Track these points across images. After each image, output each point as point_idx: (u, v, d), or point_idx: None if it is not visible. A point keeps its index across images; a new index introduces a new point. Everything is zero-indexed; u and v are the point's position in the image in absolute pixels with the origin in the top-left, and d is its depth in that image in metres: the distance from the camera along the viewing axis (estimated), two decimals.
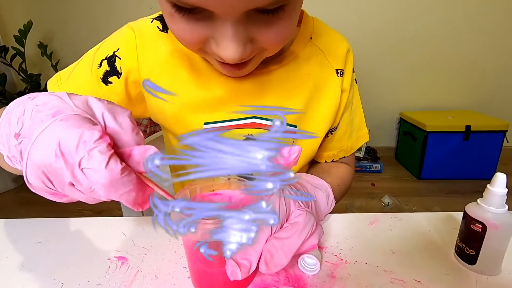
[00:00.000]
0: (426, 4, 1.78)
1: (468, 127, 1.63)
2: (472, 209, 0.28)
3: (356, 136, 0.50)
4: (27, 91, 1.65)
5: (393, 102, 2.01)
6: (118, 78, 0.39)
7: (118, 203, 0.58)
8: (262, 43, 0.30)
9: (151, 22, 0.40)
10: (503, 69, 1.89)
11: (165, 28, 0.40)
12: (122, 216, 0.56)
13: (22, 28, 1.59)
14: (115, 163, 0.19)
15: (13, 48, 1.62)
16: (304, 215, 0.30)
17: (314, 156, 0.48)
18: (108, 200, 0.21)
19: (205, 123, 0.40)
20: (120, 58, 0.39)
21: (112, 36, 0.41)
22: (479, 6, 1.77)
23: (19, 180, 1.72)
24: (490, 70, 1.90)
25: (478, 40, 1.84)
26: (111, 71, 0.39)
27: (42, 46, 1.73)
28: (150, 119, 1.76)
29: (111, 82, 0.39)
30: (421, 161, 1.73)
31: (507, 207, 0.27)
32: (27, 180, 0.20)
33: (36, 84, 1.65)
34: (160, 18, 0.40)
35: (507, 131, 1.63)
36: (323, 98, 0.43)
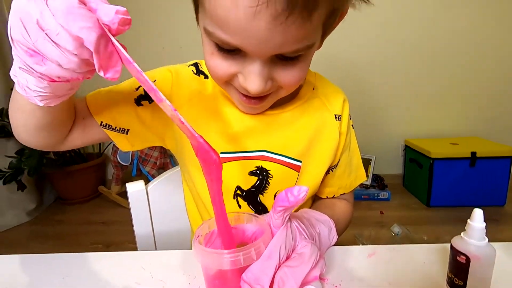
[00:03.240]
0: (431, 31, 1.86)
1: (473, 153, 1.64)
2: (457, 242, 0.31)
3: (354, 175, 0.55)
4: None
5: (398, 129, 2.05)
6: (149, 103, 0.45)
7: (129, 235, 0.62)
8: (279, 82, 0.37)
9: (188, 66, 0.48)
10: (507, 95, 1.93)
11: (198, 73, 0.48)
12: (135, 250, 0.59)
13: None
14: None
15: None
16: (309, 246, 0.33)
17: (316, 191, 0.53)
18: (76, 48, 0.22)
19: (221, 152, 0.46)
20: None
21: (150, 71, 0.48)
22: (483, 33, 1.84)
23: (32, 213, 1.77)
24: (494, 96, 1.93)
25: (481, 67, 1.90)
26: (145, 96, 0.45)
27: None
28: (160, 152, 1.83)
29: (142, 105, 0.45)
30: (429, 188, 1.72)
31: (487, 239, 0.30)
32: (11, 36, 0.24)
33: None
34: (195, 65, 0.49)
35: None
36: (323, 138, 0.49)
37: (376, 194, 1.84)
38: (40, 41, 0.23)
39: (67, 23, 0.22)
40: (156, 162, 1.76)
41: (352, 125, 0.54)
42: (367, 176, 1.94)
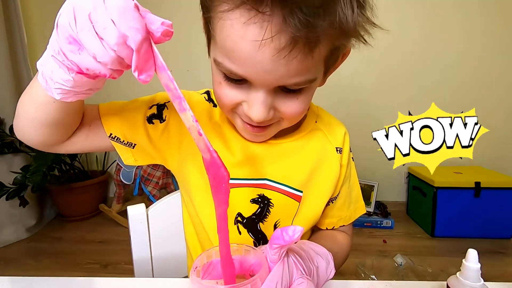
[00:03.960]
0: (434, 60, 1.90)
1: (477, 183, 1.62)
2: (453, 282, 0.31)
3: (354, 207, 0.56)
4: None
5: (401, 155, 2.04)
6: (160, 122, 0.47)
7: (126, 256, 0.61)
8: (282, 113, 0.39)
9: (200, 94, 0.51)
10: (509, 126, 1.93)
11: (209, 100, 0.50)
12: (131, 271, 0.59)
13: None
14: None
15: None
16: (306, 283, 0.33)
17: (316, 222, 0.53)
18: (119, 44, 0.24)
19: None
20: (167, 109, 0.47)
21: (165, 92, 0.50)
22: (486, 62, 1.87)
23: (32, 229, 1.76)
24: (496, 127, 1.94)
25: (487, 95, 1.91)
26: (157, 115, 0.47)
27: None
28: (163, 172, 1.85)
29: (153, 123, 0.46)
30: (433, 217, 1.69)
31: (482, 280, 0.30)
32: (57, 23, 0.25)
33: None
34: (207, 92, 0.51)
35: None
36: (324, 170, 0.50)
37: (379, 222, 1.81)
38: (85, 32, 0.24)
39: (119, 20, 0.24)
40: (158, 182, 1.77)
41: (352, 158, 0.55)
42: (370, 203, 1.92)
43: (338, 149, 0.52)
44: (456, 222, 1.67)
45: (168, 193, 2.16)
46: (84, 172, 1.99)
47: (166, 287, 0.41)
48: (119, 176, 1.85)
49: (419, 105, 1.96)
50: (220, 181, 0.30)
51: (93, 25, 0.24)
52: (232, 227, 0.48)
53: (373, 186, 1.98)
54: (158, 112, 0.47)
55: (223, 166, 0.29)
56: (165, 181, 1.81)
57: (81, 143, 0.43)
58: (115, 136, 0.44)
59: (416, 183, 1.88)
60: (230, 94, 0.38)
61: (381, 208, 1.90)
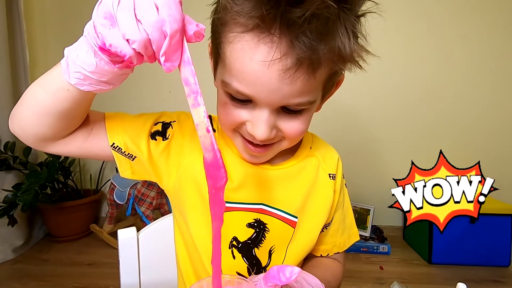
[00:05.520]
0: (432, 84, 1.94)
1: None
2: None
3: (348, 234, 0.56)
4: (47, 161, 1.77)
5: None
6: (163, 140, 0.47)
7: (115, 280, 0.60)
8: (283, 132, 0.41)
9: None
10: (504, 155, 1.95)
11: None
12: None
13: None
14: None
15: None
16: None
17: (311, 249, 0.53)
18: (155, 27, 0.26)
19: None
20: (172, 128, 0.48)
21: (173, 112, 0.51)
22: (482, 86, 1.92)
23: (18, 250, 1.71)
24: (495, 155, 1.96)
25: (480, 124, 1.95)
26: (161, 133, 0.47)
27: None
28: (157, 192, 1.82)
29: (155, 139, 0.47)
30: (430, 243, 1.67)
31: None
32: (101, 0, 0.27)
33: (56, 156, 1.77)
34: (209, 117, 0.52)
35: None
36: (318, 196, 0.51)
37: (375, 247, 1.78)
38: (124, 11, 0.26)
39: (162, 7, 0.26)
40: (152, 202, 1.74)
41: (345, 184, 0.56)
42: (366, 227, 1.90)
43: (331, 175, 0.53)
44: (453, 248, 1.65)
45: (162, 214, 2.13)
46: (77, 191, 1.96)
47: None
48: (113, 195, 1.82)
49: (418, 129, 1.99)
50: (217, 181, 0.30)
51: (134, 7, 0.26)
52: (226, 251, 0.47)
53: (369, 210, 1.96)
54: (163, 130, 0.48)
55: (223, 167, 0.30)
56: (159, 201, 1.78)
57: (77, 145, 0.42)
58: (117, 146, 0.44)
59: None
60: (235, 113, 0.40)
61: (378, 233, 1.88)
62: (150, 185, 1.73)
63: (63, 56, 0.32)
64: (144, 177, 0.49)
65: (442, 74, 1.94)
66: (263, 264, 0.49)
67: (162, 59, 0.27)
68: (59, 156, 1.80)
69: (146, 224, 0.61)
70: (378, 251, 1.78)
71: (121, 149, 0.45)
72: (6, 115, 1.64)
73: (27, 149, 1.73)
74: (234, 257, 0.48)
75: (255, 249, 0.48)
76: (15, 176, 1.71)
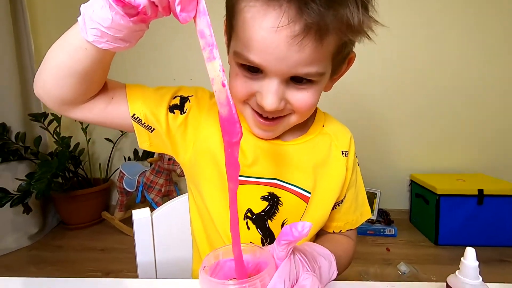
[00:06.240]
0: (437, 68, 1.92)
1: (480, 191, 1.62)
2: (452, 280, 0.32)
3: (360, 211, 0.57)
4: (57, 151, 1.81)
5: (403, 163, 2.04)
6: (181, 114, 0.48)
7: (128, 264, 0.61)
8: (292, 105, 0.41)
9: None
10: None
11: None
12: (135, 278, 0.59)
13: None
14: None
15: (52, 114, 1.83)
16: (311, 279, 0.34)
17: (323, 225, 0.54)
18: None
19: None
20: (190, 102, 0.49)
21: (191, 87, 0.51)
22: (488, 69, 1.89)
23: (34, 237, 1.76)
24: (499, 134, 1.94)
25: (488, 103, 1.92)
26: (179, 106, 0.48)
27: None
28: (165, 179, 1.84)
29: (174, 113, 0.48)
30: (437, 225, 1.68)
31: (480, 278, 0.30)
32: None
33: (66, 146, 1.80)
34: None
35: None
36: (331, 172, 0.52)
37: (382, 230, 1.80)
38: None
39: None
40: (161, 189, 1.78)
41: (358, 163, 0.56)
42: (372, 211, 1.91)
43: (344, 152, 0.53)
44: (460, 230, 1.66)
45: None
46: (87, 179, 2.00)
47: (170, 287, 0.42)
48: (122, 183, 1.86)
49: (424, 112, 1.97)
50: (233, 137, 0.30)
51: None
52: (241, 222, 0.49)
53: (376, 193, 1.97)
54: (181, 104, 0.48)
55: (238, 122, 0.30)
56: (168, 188, 1.81)
57: (98, 112, 0.43)
58: (137, 117, 0.45)
59: (419, 191, 1.88)
60: (245, 85, 0.41)
61: (384, 216, 1.89)
62: (158, 172, 1.76)
63: (80, 13, 0.32)
64: (161, 150, 0.50)
65: (445, 55, 1.90)
66: (276, 236, 0.50)
67: (177, 9, 0.27)
68: (69, 146, 1.84)
69: None
70: (385, 233, 1.80)
71: (141, 120, 0.46)
72: (14, 105, 1.69)
73: (37, 139, 1.77)
74: (248, 228, 0.49)
75: (269, 221, 0.49)
76: (27, 166, 1.75)
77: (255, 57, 0.37)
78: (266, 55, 0.37)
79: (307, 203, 0.50)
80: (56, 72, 0.37)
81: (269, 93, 0.39)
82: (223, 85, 0.29)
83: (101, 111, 0.44)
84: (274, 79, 0.39)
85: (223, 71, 0.29)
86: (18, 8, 1.75)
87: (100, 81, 0.42)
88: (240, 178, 0.48)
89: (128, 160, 2.09)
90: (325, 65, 0.39)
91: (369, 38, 0.38)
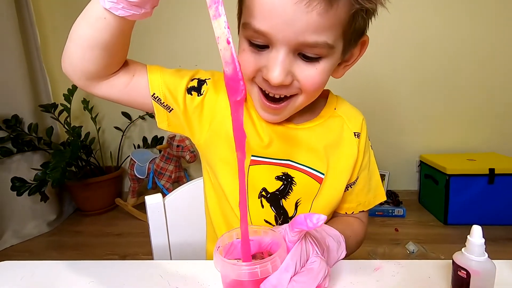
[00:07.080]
0: (446, 47, 1.86)
1: (492, 170, 1.60)
2: (458, 257, 0.32)
3: (373, 194, 0.57)
4: (69, 140, 1.85)
5: (412, 144, 2.02)
6: (198, 96, 0.49)
7: (144, 247, 0.64)
8: (299, 80, 0.40)
9: None
10: None
11: None
12: (151, 260, 0.62)
13: (71, 88, 1.84)
14: None
15: (62, 104, 1.86)
16: (319, 262, 0.35)
17: (336, 206, 0.55)
18: None
19: (252, 155, 0.49)
20: (206, 85, 0.50)
21: (207, 70, 0.52)
22: (498, 48, 1.83)
23: (52, 224, 1.84)
24: (510, 112, 1.89)
25: (498, 81, 1.87)
26: (197, 88, 0.49)
27: (85, 102, 1.96)
28: (175, 166, 1.87)
29: (191, 94, 0.49)
30: (446, 205, 1.68)
31: (486, 255, 0.31)
32: None
33: (77, 135, 1.84)
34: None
35: None
36: (343, 154, 0.52)
37: (390, 211, 1.81)
38: None
39: None
40: (171, 175, 1.81)
41: (371, 146, 0.56)
42: None
43: (356, 133, 0.53)
44: (470, 209, 1.66)
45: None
46: (100, 168, 2.05)
47: (185, 268, 0.44)
48: (133, 170, 1.90)
49: (433, 93, 1.92)
50: (236, 95, 0.30)
51: None
52: (256, 201, 0.50)
53: (385, 175, 1.97)
54: (198, 86, 0.49)
55: (242, 80, 0.30)
56: (178, 174, 1.85)
57: (119, 89, 0.45)
58: (157, 96, 0.47)
59: (428, 171, 1.87)
60: (252, 59, 0.41)
61: (393, 197, 1.90)
62: (168, 159, 1.79)
63: None
64: (178, 130, 0.51)
65: (454, 34, 1.83)
66: (290, 215, 0.51)
67: None
68: (80, 135, 1.88)
69: None
70: (394, 214, 1.81)
71: (161, 100, 0.47)
72: (25, 97, 1.72)
73: (49, 130, 1.81)
74: (262, 206, 0.51)
75: (283, 200, 0.51)
76: (41, 156, 1.81)
77: (261, 24, 0.37)
78: (272, 20, 0.36)
79: (320, 184, 0.51)
80: (80, 44, 0.39)
81: (275, 65, 0.38)
82: (228, 43, 0.28)
83: (122, 89, 0.45)
84: (281, 49, 0.38)
85: (229, 28, 0.28)
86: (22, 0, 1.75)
87: (122, 55, 0.43)
88: (256, 158, 0.49)
89: (137, 147, 2.13)
90: (335, 37, 0.38)
91: (382, 4, 0.37)
